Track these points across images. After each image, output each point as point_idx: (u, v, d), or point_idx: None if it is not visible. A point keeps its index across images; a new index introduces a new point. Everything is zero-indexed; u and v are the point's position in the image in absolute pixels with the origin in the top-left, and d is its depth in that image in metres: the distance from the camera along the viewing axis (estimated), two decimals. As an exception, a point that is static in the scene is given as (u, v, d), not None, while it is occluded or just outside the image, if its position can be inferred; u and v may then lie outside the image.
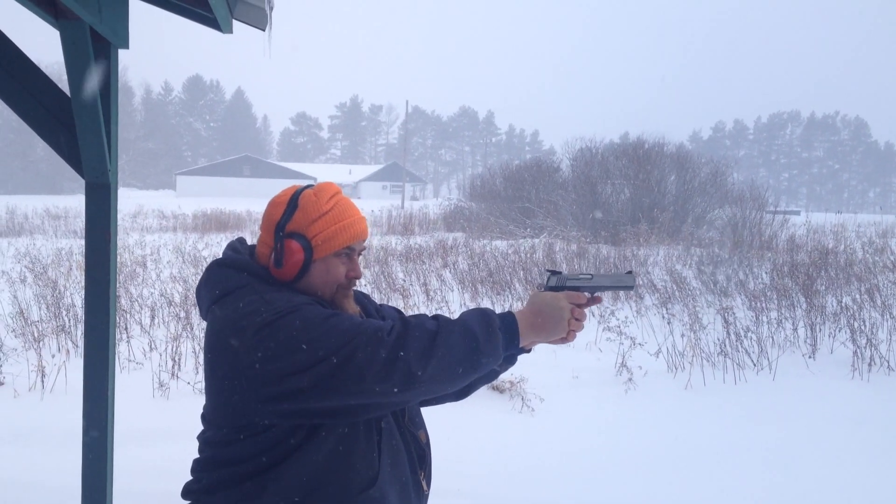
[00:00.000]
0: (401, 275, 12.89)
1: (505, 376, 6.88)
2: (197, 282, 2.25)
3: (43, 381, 6.60)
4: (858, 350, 7.63)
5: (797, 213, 47.47)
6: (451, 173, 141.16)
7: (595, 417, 6.46)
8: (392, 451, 1.93)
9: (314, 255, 1.91)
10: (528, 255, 15.03)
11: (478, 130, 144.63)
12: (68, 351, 7.57)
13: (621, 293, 10.85)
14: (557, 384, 7.14)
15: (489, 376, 2.09)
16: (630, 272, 2.10)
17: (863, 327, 8.20)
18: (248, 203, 43.97)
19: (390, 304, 2.09)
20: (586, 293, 2.02)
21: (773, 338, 8.47)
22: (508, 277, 12.40)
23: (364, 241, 2.01)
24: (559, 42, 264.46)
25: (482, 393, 6.73)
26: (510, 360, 2.08)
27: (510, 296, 11.37)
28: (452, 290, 11.94)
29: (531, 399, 6.66)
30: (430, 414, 2.18)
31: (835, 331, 8.59)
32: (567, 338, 1.98)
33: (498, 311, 1.90)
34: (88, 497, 3.23)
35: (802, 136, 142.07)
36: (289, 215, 1.92)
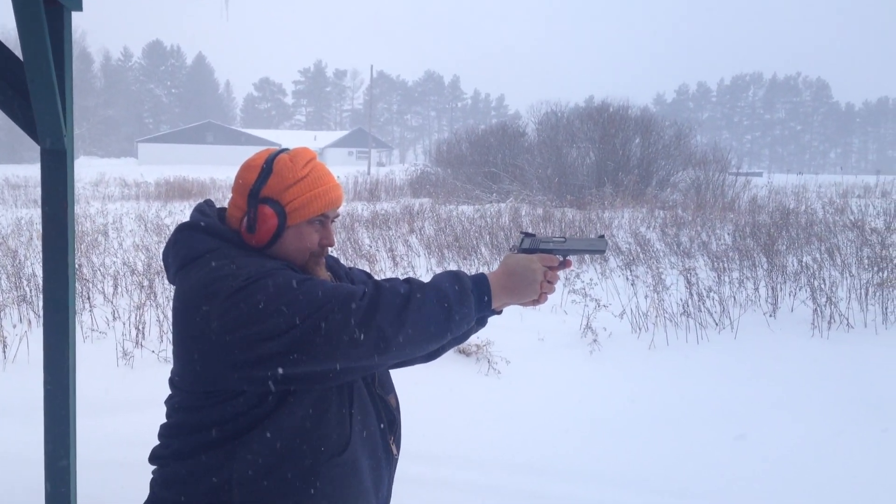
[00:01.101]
0: (367, 241, 12.86)
1: (471, 339, 6.92)
2: (161, 249, 2.22)
3: (4, 352, 6.52)
4: (818, 308, 7.75)
5: (759, 174, 48.02)
6: (417, 139, 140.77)
7: (561, 379, 6.53)
8: (363, 416, 1.94)
9: (288, 222, 1.89)
10: (495, 220, 15.07)
11: (443, 95, 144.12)
12: (30, 321, 7.48)
13: (587, 256, 10.92)
14: (523, 347, 7.19)
15: (460, 338, 2.09)
16: (602, 236, 2.11)
17: (823, 286, 8.33)
18: (211, 170, 43.55)
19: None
20: (559, 256, 2.03)
21: (734, 297, 8.57)
22: (475, 242, 12.42)
23: (338, 208, 2.00)
24: (523, 6, 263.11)
25: (448, 356, 6.76)
26: (481, 322, 2.08)
27: (476, 260, 11.40)
28: (419, 256, 11.93)
29: (497, 362, 6.71)
30: (398, 378, 2.19)
31: (795, 290, 8.71)
32: (539, 300, 1.99)
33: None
34: (51, 467, 3.21)
35: (765, 97, 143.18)
36: (263, 180, 1.90)
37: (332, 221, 2.01)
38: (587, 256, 11.24)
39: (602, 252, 2.09)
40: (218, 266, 1.79)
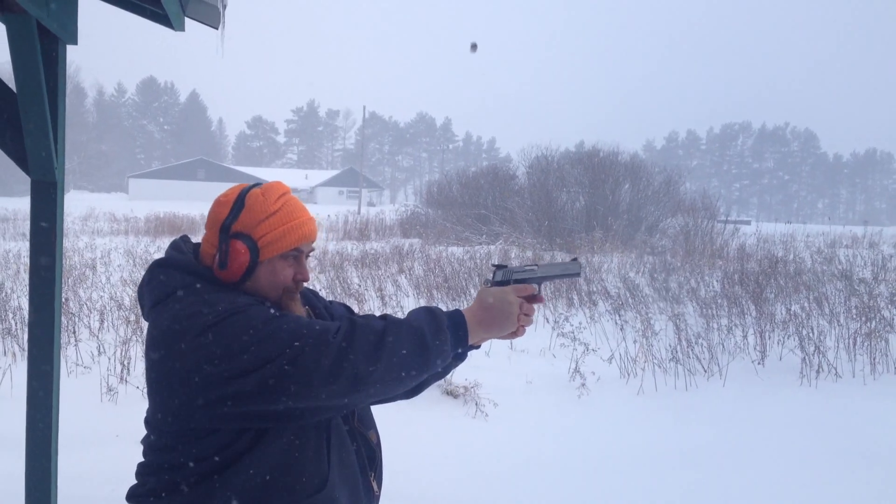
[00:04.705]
0: (356, 280, 12.83)
1: (459, 381, 6.88)
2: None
3: (-13, 386, 6.45)
4: (807, 357, 7.75)
5: (748, 222, 48.28)
6: (407, 179, 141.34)
7: (549, 423, 6.48)
8: (341, 452, 1.89)
9: (260, 257, 1.86)
10: (484, 262, 15.06)
11: (435, 137, 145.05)
12: (14, 355, 7.40)
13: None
14: (511, 389, 7.15)
15: (439, 373, 2.06)
16: (575, 259, 2.09)
17: (811, 335, 8.34)
18: (202, 207, 43.39)
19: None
20: (535, 285, 2.01)
21: (723, 344, 8.57)
22: (464, 283, 12.40)
23: (312, 242, 1.97)
24: (517, 52, 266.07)
25: (436, 397, 6.72)
26: (460, 357, 2.04)
27: (466, 302, 11.37)
28: (408, 296, 11.91)
29: (485, 404, 6.66)
30: (383, 417, 2.16)
31: (784, 338, 8.71)
32: (517, 332, 1.96)
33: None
34: (32, 501, 3.15)
35: (754, 146, 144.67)
36: (234, 215, 1.87)
37: (307, 256, 1.98)
38: (575, 300, 11.24)
39: (577, 275, 2.06)
40: (189, 303, 1.75)
